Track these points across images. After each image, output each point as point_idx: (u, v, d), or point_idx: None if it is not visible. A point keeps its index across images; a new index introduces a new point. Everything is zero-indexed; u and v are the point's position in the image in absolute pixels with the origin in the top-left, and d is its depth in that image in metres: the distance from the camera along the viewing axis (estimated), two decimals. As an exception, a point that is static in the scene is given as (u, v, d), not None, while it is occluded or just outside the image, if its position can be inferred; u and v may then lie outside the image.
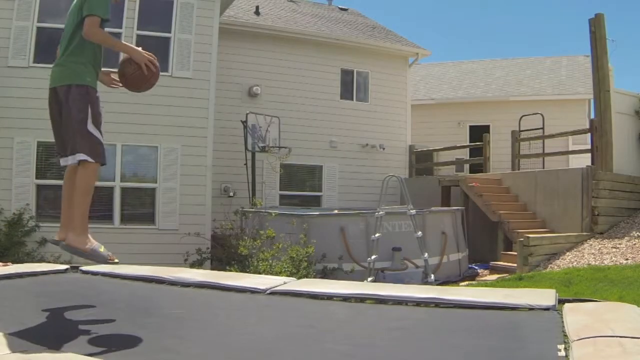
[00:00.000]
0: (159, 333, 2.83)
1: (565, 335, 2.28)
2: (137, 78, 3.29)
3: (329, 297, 3.43)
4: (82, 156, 3.07)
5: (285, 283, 3.79)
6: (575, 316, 2.52)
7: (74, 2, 3.31)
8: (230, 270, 7.58)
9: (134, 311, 3.31)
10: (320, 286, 3.71)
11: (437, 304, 3.05)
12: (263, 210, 9.59)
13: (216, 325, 2.95)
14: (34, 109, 9.62)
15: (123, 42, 3.42)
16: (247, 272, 7.51)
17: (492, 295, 3.17)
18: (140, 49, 3.38)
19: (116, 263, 3.17)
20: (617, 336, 2.09)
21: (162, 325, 2.97)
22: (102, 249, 3.14)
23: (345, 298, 3.37)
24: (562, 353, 2.08)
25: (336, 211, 10.74)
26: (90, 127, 3.14)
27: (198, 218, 10.30)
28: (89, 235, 3.14)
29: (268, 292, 3.55)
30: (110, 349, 2.51)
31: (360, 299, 3.31)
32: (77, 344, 2.51)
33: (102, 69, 3.39)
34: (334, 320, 3.00)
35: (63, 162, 3.31)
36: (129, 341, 2.67)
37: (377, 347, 2.46)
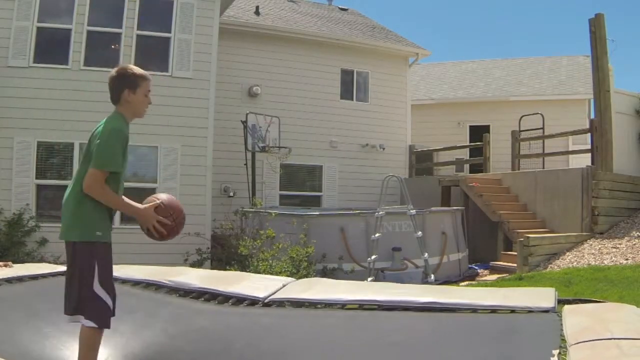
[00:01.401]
0: (159, 334, 2.82)
1: (563, 339, 2.27)
2: (153, 237, 2.95)
3: (328, 304, 3.40)
4: (84, 322, 2.70)
5: (284, 286, 3.77)
6: (575, 318, 2.52)
7: (98, 127, 2.96)
8: (230, 270, 7.57)
9: (134, 312, 3.31)
10: (320, 291, 3.67)
11: (436, 308, 3.03)
12: (263, 210, 9.59)
13: (217, 326, 2.94)
14: (34, 109, 9.65)
15: (129, 203, 2.92)
16: (247, 272, 7.50)
17: (492, 297, 3.16)
18: (148, 207, 2.93)
19: None
20: (615, 338, 2.09)
21: (162, 328, 2.96)
22: None
23: (343, 305, 3.34)
24: (556, 358, 2.07)
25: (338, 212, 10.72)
26: (97, 288, 2.73)
27: (198, 218, 10.28)
28: None
29: (266, 301, 3.51)
30: (111, 350, 2.51)
31: (358, 305, 3.29)
32: (77, 343, 2.51)
33: None
34: (332, 329, 2.99)
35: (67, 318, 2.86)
36: (129, 343, 2.67)
37: (374, 354, 2.45)
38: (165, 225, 2.86)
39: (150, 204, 2.86)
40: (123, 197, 2.92)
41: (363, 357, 2.52)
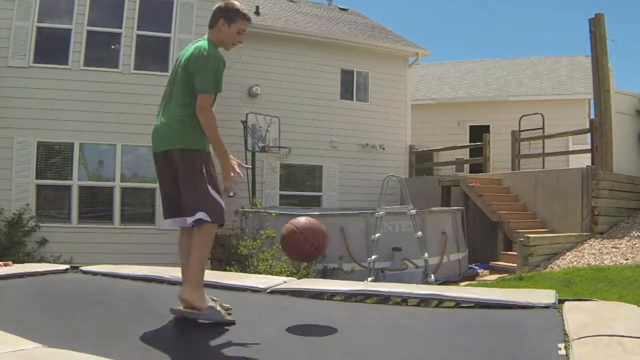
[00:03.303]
0: (159, 332, 2.83)
1: (566, 334, 2.28)
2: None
3: (330, 295, 3.43)
4: (201, 215, 2.90)
5: (285, 282, 3.80)
6: (576, 315, 2.52)
7: (185, 51, 3.19)
8: (231, 271, 7.58)
9: (134, 310, 3.31)
10: (321, 284, 3.70)
11: (439, 301, 3.04)
12: (263, 210, 9.59)
13: (216, 324, 2.95)
14: (34, 109, 9.65)
15: (227, 153, 3.04)
16: (247, 272, 7.51)
17: (493, 294, 3.17)
18: (235, 165, 3.09)
19: (233, 323, 2.96)
20: (617, 335, 2.09)
21: (163, 324, 2.97)
22: (218, 307, 3.00)
23: (346, 295, 3.36)
24: (563, 352, 2.08)
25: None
26: (209, 188, 2.97)
27: (198, 218, 10.29)
28: (205, 294, 3.01)
29: (268, 290, 3.55)
30: (111, 347, 2.51)
31: (362, 296, 3.31)
32: (77, 343, 2.51)
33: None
34: (335, 318, 3.00)
35: (170, 224, 3.16)
36: (129, 340, 2.68)
37: (377, 346, 2.46)
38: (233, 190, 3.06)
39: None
40: None
41: (370, 339, 2.54)
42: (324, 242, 3.02)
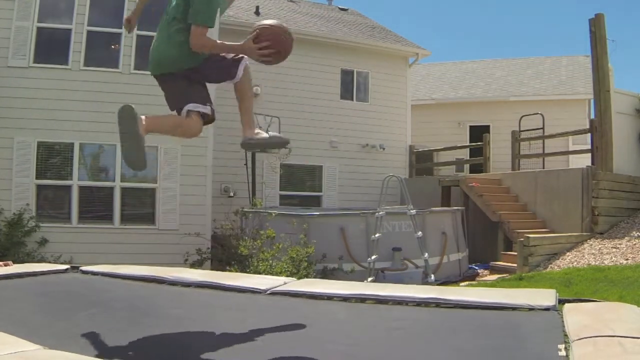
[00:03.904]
0: (159, 333, 2.83)
1: (566, 335, 2.28)
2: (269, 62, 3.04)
3: (329, 297, 3.43)
4: (245, 62, 3.07)
5: (285, 283, 3.79)
6: (576, 316, 2.52)
7: None
8: (231, 271, 7.58)
9: (134, 311, 3.31)
10: (320, 287, 3.70)
11: (438, 304, 3.04)
12: (263, 210, 9.59)
13: (216, 325, 2.95)
14: (34, 109, 9.65)
15: (229, 44, 3.01)
16: (247, 273, 7.51)
17: (492, 295, 3.16)
18: (246, 42, 2.95)
19: (287, 141, 3.45)
20: (617, 336, 2.09)
21: (162, 325, 2.97)
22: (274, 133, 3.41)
23: (346, 298, 3.36)
24: (563, 353, 2.08)
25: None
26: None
27: (198, 218, 10.30)
28: None
29: (268, 292, 3.55)
30: (110, 348, 2.51)
31: (361, 299, 3.31)
32: (77, 343, 2.51)
33: None
34: (334, 320, 3.00)
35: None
36: (129, 341, 2.67)
37: (377, 347, 2.46)
38: (270, 50, 2.93)
39: (249, 36, 2.96)
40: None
41: (367, 341, 2.54)
42: (281, 39, 2.98)
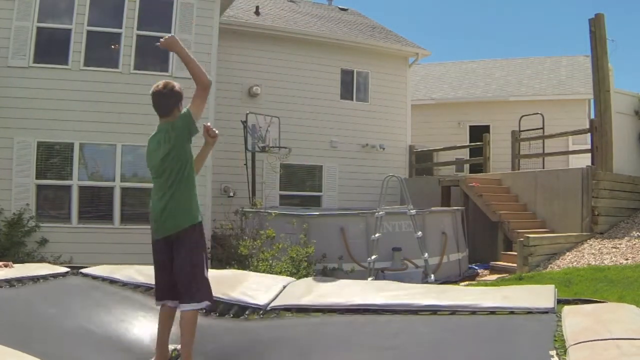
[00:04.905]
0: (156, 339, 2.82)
1: (563, 340, 2.27)
2: None
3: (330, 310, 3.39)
4: (205, 304, 3.00)
5: (284, 287, 3.75)
6: (574, 318, 2.52)
7: (154, 138, 3.35)
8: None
9: (134, 315, 3.31)
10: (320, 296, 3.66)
11: (435, 311, 3.02)
12: (263, 210, 9.58)
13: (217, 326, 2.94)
14: (34, 109, 9.64)
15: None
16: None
17: (491, 297, 3.15)
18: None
19: None
20: (614, 338, 2.09)
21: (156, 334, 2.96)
22: None
23: (342, 311, 3.32)
24: (555, 359, 2.07)
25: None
26: (206, 273, 3.06)
27: (198, 218, 10.28)
28: None
29: (268, 308, 3.49)
30: (110, 349, 2.51)
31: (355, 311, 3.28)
32: (77, 343, 2.51)
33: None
34: (335, 318, 2.99)
35: (160, 303, 3.15)
36: (129, 342, 2.68)
37: (376, 351, 2.46)
38: None
39: None
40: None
41: (362, 351, 2.53)
42: None
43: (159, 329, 2.93)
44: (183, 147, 3.16)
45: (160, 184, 3.19)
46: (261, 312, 3.44)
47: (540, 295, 3.07)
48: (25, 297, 3.75)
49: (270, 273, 7.41)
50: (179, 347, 2.91)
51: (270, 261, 7.86)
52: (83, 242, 9.53)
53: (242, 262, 8.28)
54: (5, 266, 4.89)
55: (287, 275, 6.92)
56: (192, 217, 3.11)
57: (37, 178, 9.69)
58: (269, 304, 3.53)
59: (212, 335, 3.33)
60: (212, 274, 4.61)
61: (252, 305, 3.54)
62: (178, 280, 2.99)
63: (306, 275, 7.64)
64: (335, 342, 2.82)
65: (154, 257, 3.14)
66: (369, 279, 7.75)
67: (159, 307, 3.09)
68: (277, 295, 3.62)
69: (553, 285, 3.17)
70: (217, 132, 3.36)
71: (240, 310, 3.52)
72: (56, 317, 3.21)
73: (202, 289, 3.02)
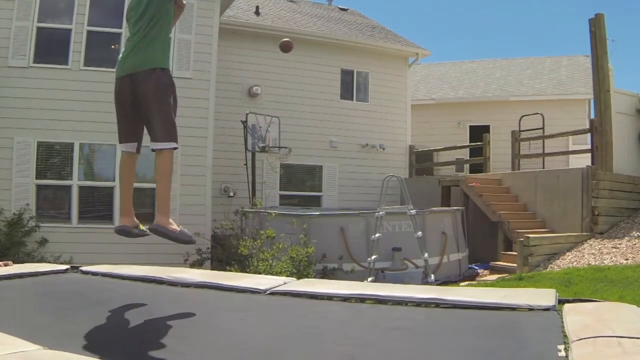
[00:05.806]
0: (159, 333, 2.83)
1: (565, 336, 2.27)
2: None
3: (329, 297, 3.42)
4: (173, 144, 3.12)
5: (285, 283, 3.79)
6: (575, 316, 2.52)
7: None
8: (231, 271, 7.57)
9: (134, 311, 3.31)
10: (320, 286, 3.70)
11: (437, 304, 3.04)
12: (263, 210, 9.59)
13: (216, 326, 2.95)
14: (34, 109, 9.65)
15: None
16: (247, 273, 7.51)
17: (492, 295, 3.16)
18: None
19: (194, 242, 3.36)
20: (616, 336, 2.09)
21: (162, 326, 2.97)
22: (185, 230, 3.26)
23: (345, 298, 3.36)
24: (563, 353, 2.08)
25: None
26: (173, 115, 3.15)
27: (198, 218, 10.29)
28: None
29: (268, 292, 3.55)
30: (110, 349, 2.51)
31: (360, 299, 3.31)
32: (77, 344, 2.51)
33: None
34: (334, 320, 3.00)
35: (126, 147, 3.39)
36: (129, 342, 2.68)
37: (376, 347, 2.46)
38: None
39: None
40: None
41: (369, 339, 2.54)
42: None
43: (121, 187, 3.21)
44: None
45: (134, 31, 3.20)
46: (261, 294, 3.51)
47: (541, 295, 3.08)
48: (24, 288, 3.77)
49: (270, 273, 7.43)
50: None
51: (270, 261, 7.87)
52: (83, 242, 9.54)
53: (242, 262, 8.29)
54: (5, 265, 4.90)
55: (287, 276, 6.94)
56: (162, 61, 3.14)
57: (37, 178, 9.69)
58: (268, 289, 3.58)
59: (208, 305, 3.43)
60: (214, 274, 4.62)
61: (252, 289, 3.59)
62: (151, 119, 3.11)
63: (306, 276, 7.65)
64: (337, 324, 2.85)
65: (116, 99, 3.33)
66: (369, 279, 7.76)
67: (159, 304, 3.09)
68: (277, 286, 3.67)
69: (554, 290, 3.19)
70: (185, 2, 3.40)
71: (240, 292, 3.59)
72: (55, 306, 3.22)
73: (173, 131, 3.13)
